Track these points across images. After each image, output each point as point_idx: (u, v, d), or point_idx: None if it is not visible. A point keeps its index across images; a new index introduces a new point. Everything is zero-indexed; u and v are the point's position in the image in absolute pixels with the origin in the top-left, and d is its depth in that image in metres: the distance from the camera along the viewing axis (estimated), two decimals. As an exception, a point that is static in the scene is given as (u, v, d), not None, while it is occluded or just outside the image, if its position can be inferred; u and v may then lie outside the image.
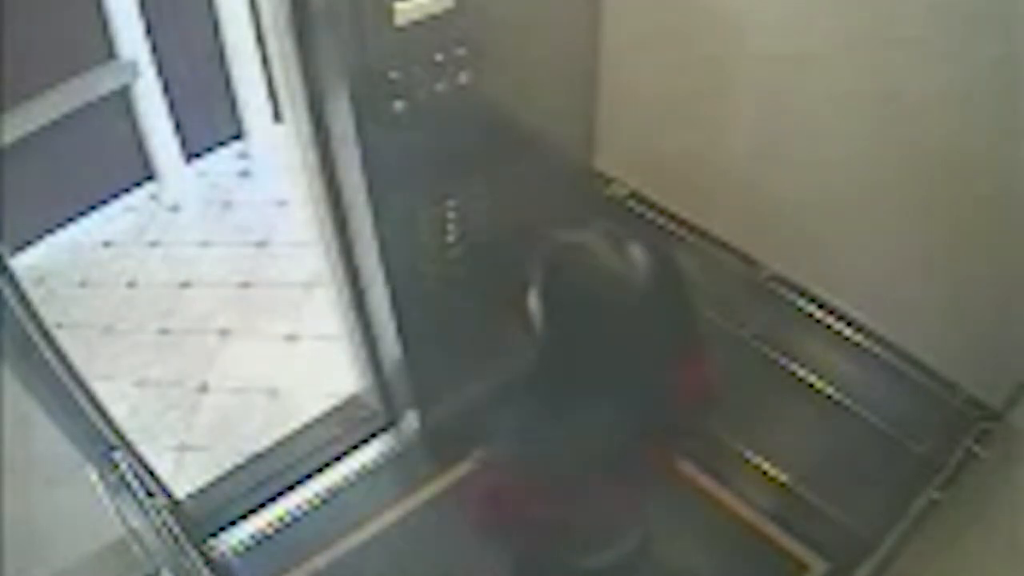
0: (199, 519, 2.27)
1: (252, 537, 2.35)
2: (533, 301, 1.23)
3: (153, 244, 3.56)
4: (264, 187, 3.80)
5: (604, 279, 1.17)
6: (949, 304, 1.71)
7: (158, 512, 1.70)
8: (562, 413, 1.25)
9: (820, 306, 1.96)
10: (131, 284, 3.37)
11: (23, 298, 1.45)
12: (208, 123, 3.84)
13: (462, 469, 2.48)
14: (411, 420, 2.51)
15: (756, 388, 2.17)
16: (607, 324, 1.17)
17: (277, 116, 3.74)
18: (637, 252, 1.18)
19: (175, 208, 3.73)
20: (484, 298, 2.24)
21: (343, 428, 2.57)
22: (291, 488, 2.44)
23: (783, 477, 2.28)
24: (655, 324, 1.18)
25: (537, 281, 1.22)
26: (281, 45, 1.73)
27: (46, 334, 1.51)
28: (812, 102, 1.74)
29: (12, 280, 1.43)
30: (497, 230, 2.16)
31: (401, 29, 1.67)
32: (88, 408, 1.65)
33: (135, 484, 1.67)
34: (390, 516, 2.39)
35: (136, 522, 1.61)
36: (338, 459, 2.51)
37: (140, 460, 1.86)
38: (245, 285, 3.31)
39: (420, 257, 2.08)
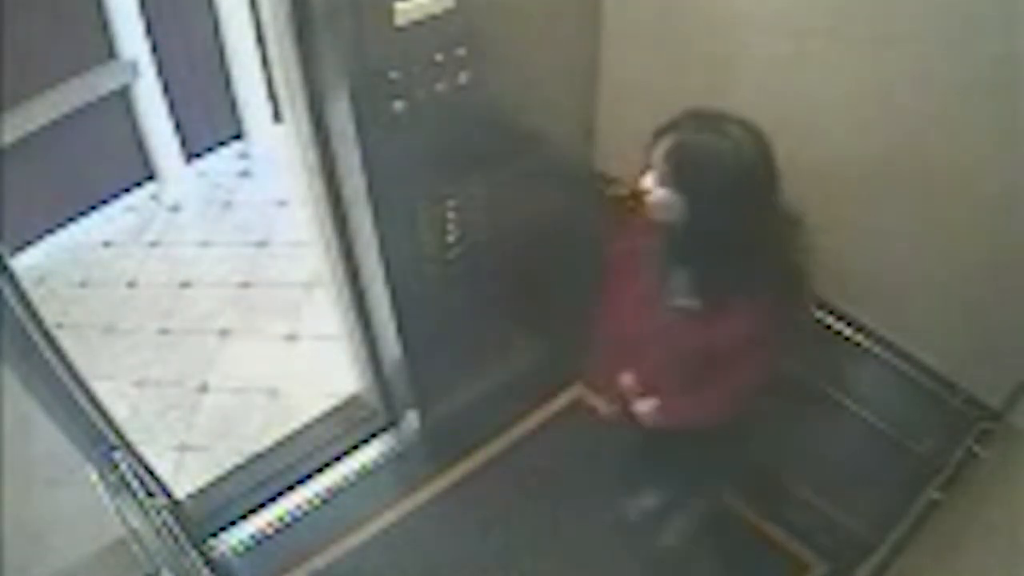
0: (199, 519, 2.27)
1: (252, 537, 2.35)
2: (661, 193, 1.49)
3: (153, 244, 3.56)
4: (264, 187, 3.80)
5: (721, 162, 1.43)
6: (949, 304, 1.71)
7: (158, 512, 1.69)
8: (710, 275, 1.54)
9: (821, 307, 1.96)
10: (131, 284, 3.37)
11: (23, 298, 1.45)
12: (208, 123, 3.84)
13: (462, 469, 2.49)
14: (411, 420, 2.51)
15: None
16: (729, 195, 1.45)
17: (277, 116, 3.73)
18: (735, 129, 1.43)
19: (175, 208, 3.73)
20: (484, 298, 2.24)
21: (343, 428, 2.57)
22: (291, 488, 2.44)
23: (783, 477, 2.28)
24: (761, 185, 1.47)
25: (665, 174, 1.48)
26: (281, 45, 1.73)
27: (46, 334, 1.50)
28: (812, 102, 1.74)
29: (12, 280, 1.42)
30: (497, 230, 2.16)
31: (401, 29, 1.67)
32: (88, 408, 1.64)
33: (135, 484, 1.67)
34: (390, 516, 2.39)
35: (136, 522, 1.61)
36: (338, 459, 2.51)
37: (140, 460, 1.86)
38: (245, 285, 3.31)
39: (420, 257, 2.08)
